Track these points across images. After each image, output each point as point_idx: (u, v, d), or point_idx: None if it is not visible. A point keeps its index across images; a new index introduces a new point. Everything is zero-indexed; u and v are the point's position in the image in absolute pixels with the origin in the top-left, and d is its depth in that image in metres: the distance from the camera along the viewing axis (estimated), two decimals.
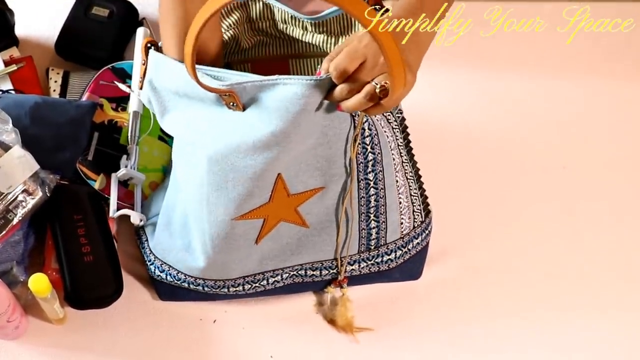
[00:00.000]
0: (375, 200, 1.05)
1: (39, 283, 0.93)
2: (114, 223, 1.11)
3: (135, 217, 1.07)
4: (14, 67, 1.20)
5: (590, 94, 1.40)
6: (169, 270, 1.05)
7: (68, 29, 1.25)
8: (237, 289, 1.06)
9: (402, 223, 1.09)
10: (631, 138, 1.35)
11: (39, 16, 1.33)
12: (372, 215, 1.06)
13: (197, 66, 0.89)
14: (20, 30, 1.26)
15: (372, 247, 1.08)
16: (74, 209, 1.07)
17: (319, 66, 1.07)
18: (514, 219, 1.22)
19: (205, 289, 1.06)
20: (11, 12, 1.24)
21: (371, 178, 1.03)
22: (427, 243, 1.13)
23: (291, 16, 1.08)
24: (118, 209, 1.08)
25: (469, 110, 1.34)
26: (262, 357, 1.07)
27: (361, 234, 1.07)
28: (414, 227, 1.10)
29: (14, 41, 1.25)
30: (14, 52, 1.24)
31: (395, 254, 1.09)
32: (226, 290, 1.06)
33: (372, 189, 1.04)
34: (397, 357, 1.09)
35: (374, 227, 1.07)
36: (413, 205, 1.10)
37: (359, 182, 1.03)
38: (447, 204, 1.17)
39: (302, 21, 1.08)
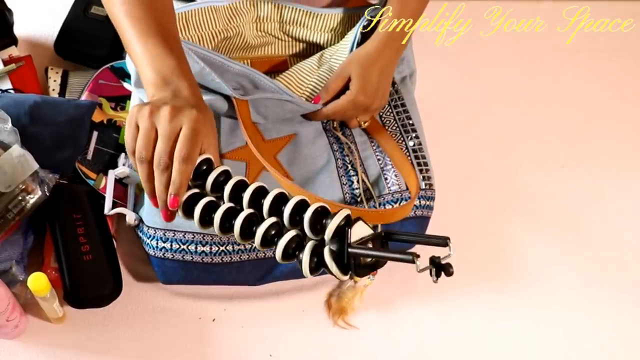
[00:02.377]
0: (348, 149, 1.12)
1: (38, 282, 0.93)
2: (113, 222, 1.11)
3: (131, 217, 1.06)
4: (13, 67, 1.20)
5: (590, 94, 1.40)
6: (174, 236, 1.04)
7: (67, 28, 1.26)
8: (240, 247, 1.05)
9: (386, 179, 1.11)
10: (631, 138, 1.35)
11: (38, 15, 1.33)
12: (348, 165, 1.11)
13: (203, 51, 1.04)
14: (19, 30, 1.26)
15: (359, 200, 1.09)
16: (73, 208, 1.07)
17: (315, 66, 1.11)
18: (512, 218, 1.22)
19: (213, 250, 1.04)
20: (10, 11, 1.24)
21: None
22: (429, 216, 1.13)
23: (305, 12, 1.14)
24: (114, 207, 1.07)
25: (468, 110, 1.35)
26: (262, 355, 1.07)
27: (342, 181, 1.09)
28: (406, 187, 1.10)
29: (13, 40, 1.25)
30: (13, 51, 1.24)
31: (384, 208, 1.09)
32: (231, 248, 1.04)
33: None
34: (396, 355, 1.08)
35: (353, 175, 1.10)
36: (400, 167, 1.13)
37: (326, 131, 1.13)
38: (444, 201, 1.17)
39: (311, 20, 1.12)
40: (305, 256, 0.75)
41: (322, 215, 0.76)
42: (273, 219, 0.79)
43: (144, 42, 0.88)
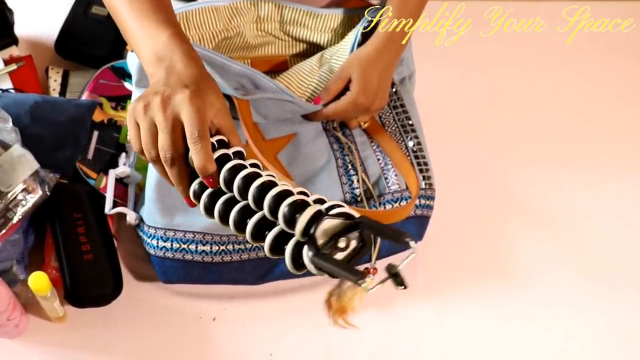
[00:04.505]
0: (348, 149, 1.12)
1: (39, 281, 0.93)
2: (114, 222, 1.11)
3: (131, 216, 1.07)
4: (13, 66, 1.20)
5: (590, 94, 1.40)
6: (174, 235, 1.04)
7: (68, 28, 1.26)
8: (240, 246, 1.05)
9: (386, 178, 1.11)
10: (631, 137, 1.35)
11: (39, 15, 1.33)
12: (348, 165, 1.11)
13: (203, 51, 1.04)
14: (20, 30, 1.26)
15: (359, 200, 1.09)
16: (73, 207, 1.07)
17: (316, 67, 1.13)
18: (512, 218, 1.23)
19: (213, 250, 1.04)
20: (11, 11, 1.24)
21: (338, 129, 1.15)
22: (429, 216, 1.13)
23: (305, 12, 1.15)
24: (114, 207, 1.08)
25: (468, 110, 1.35)
26: (262, 354, 1.07)
27: (342, 180, 1.09)
28: (406, 187, 1.11)
29: (13, 40, 1.25)
30: (13, 51, 1.24)
31: (385, 208, 1.09)
32: (231, 247, 1.05)
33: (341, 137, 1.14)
34: (396, 354, 1.09)
35: (353, 175, 1.10)
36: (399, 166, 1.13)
37: (326, 131, 1.14)
38: (444, 201, 1.17)
39: (312, 20, 1.16)
40: (288, 258, 0.71)
41: (299, 208, 0.71)
42: (261, 214, 0.75)
43: (138, 22, 0.87)
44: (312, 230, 0.67)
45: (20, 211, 1.02)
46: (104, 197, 1.09)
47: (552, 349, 1.12)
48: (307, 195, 0.73)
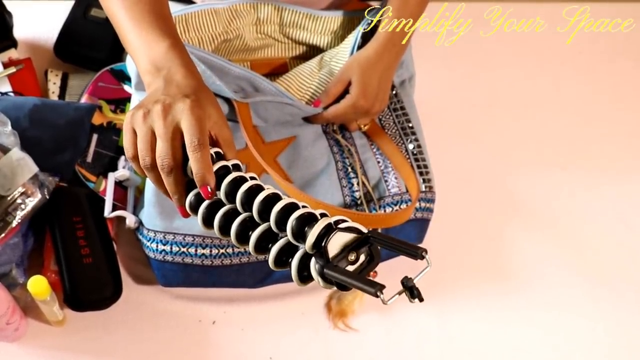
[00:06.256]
0: (348, 152, 1.12)
1: (38, 285, 0.93)
2: (113, 225, 1.11)
3: (131, 219, 1.07)
4: (12, 69, 1.20)
5: (590, 95, 1.40)
6: (174, 239, 1.04)
7: (67, 30, 1.26)
8: (240, 250, 1.05)
9: (387, 181, 1.11)
10: (631, 139, 1.35)
11: (38, 18, 1.33)
12: (348, 168, 1.11)
13: (203, 54, 1.04)
14: (19, 32, 1.26)
15: (359, 203, 1.09)
16: (73, 211, 1.07)
17: (316, 69, 1.13)
18: (513, 220, 1.23)
19: (213, 252, 1.04)
20: (10, 14, 1.24)
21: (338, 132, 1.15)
22: (429, 219, 1.13)
23: (305, 15, 1.16)
24: (114, 210, 1.08)
25: (468, 112, 1.35)
26: (262, 358, 1.07)
27: (342, 183, 1.09)
28: (407, 190, 1.11)
29: (12, 43, 1.25)
30: (12, 54, 1.24)
31: (385, 211, 1.09)
32: (231, 250, 1.04)
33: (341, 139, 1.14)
34: (396, 357, 1.09)
35: (353, 177, 1.10)
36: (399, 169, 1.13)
37: (326, 134, 1.13)
38: (444, 204, 1.17)
39: (312, 22, 1.16)
40: (294, 270, 0.71)
41: (307, 221, 0.70)
42: (265, 226, 0.74)
43: (138, 30, 0.86)
44: (323, 243, 0.67)
45: (19, 215, 1.02)
46: (103, 201, 1.09)
47: (553, 352, 1.12)
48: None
